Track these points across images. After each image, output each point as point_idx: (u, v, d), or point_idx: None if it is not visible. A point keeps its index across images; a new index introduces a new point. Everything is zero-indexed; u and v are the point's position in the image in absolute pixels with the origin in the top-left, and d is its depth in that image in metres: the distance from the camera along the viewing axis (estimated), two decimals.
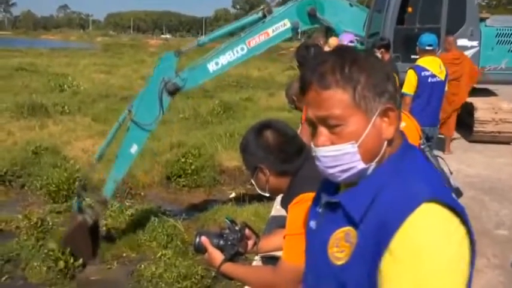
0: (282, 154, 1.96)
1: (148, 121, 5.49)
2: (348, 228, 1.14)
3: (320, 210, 1.28)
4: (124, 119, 5.57)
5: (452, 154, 7.41)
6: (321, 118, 1.15)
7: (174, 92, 5.55)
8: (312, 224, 1.32)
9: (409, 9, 9.00)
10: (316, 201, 1.34)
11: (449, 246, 1.03)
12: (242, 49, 5.64)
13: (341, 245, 1.15)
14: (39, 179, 7.53)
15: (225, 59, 5.63)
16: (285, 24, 5.73)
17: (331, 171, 1.17)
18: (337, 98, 1.12)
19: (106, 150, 5.79)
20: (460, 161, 7.04)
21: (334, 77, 1.12)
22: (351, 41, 6.56)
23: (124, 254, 5.64)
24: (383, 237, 1.05)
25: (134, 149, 5.58)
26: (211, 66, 5.61)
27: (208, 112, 13.00)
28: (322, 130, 1.16)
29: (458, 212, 1.08)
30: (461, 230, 1.07)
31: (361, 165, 1.14)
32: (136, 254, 5.63)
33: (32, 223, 5.90)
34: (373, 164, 1.16)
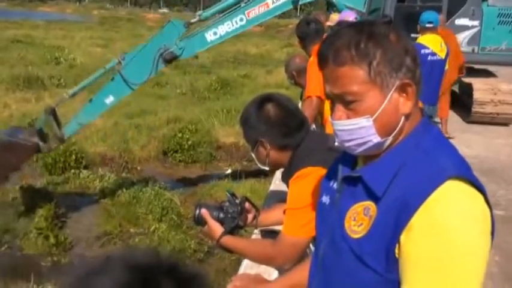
0: (283, 128, 1.93)
1: (134, 80, 5.43)
2: (368, 203, 1.14)
3: (335, 185, 1.27)
4: (111, 68, 5.49)
5: (451, 136, 7.40)
6: (337, 95, 1.14)
7: (170, 60, 5.51)
8: (325, 199, 1.31)
9: None
10: (329, 176, 1.33)
11: (474, 224, 1.03)
12: (241, 20, 5.56)
13: (359, 219, 1.15)
14: None
15: (223, 29, 5.56)
16: None
17: (347, 144, 1.17)
18: (352, 75, 1.12)
19: (82, 89, 5.75)
20: (459, 142, 7.02)
21: (349, 53, 1.11)
22: (355, 18, 6.48)
23: (120, 228, 5.64)
24: (405, 214, 1.05)
25: (110, 100, 5.48)
26: (209, 36, 5.54)
27: (206, 88, 12.91)
28: (339, 105, 1.15)
29: (482, 190, 1.08)
30: (486, 208, 1.07)
31: (376, 139, 1.14)
32: (134, 226, 5.63)
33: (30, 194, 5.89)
34: (390, 138, 1.15)
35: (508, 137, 7.82)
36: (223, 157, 8.38)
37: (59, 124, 5.55)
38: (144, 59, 5.41)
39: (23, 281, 4.40)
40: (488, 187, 4.17)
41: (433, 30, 5.90)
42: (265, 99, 1.98)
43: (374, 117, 1.12)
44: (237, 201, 1.99)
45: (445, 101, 7.55)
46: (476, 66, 9.07)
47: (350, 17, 6.41)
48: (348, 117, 1.15)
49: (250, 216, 2.09)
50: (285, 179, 1.98)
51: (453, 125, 8.14)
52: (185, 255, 4.95)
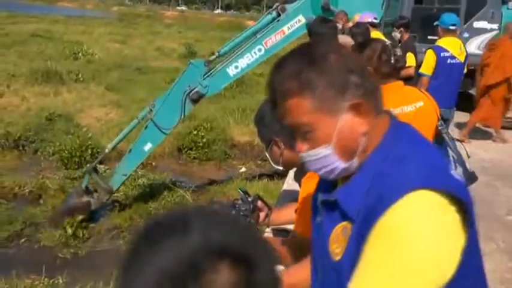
0: None
1: (167, 125, 5.53)
2: (345, 223, 1.13)
3: (319, 208, 1.27)
4: (144, 117, 5.60)
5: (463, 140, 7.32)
6: (292, 127, 1.15)
7: (197, 99, 5.58)
8: (317, 219, 1.31)
9: None
10: (315, 197, 1.33)
11: (430, 233, 0.99)
12: (260, 50, 5.62)
13: (339, 240, 1.14)
14: (52, 145, 7.58)
15: (244, 61, 5.63)
16: (300, 21, 5.68)
17: (318, 173, 1.18)
18: (299, 106, 1.11)
19: (120, 142, 5.86)
20: (476, 146, 6.98)
21: (292, 85, 1.10)
22: (375, 18, 6.47)
23: (130, 221, 5.70)
24: (370, 225, 1.03)
25: (148, 147, 5.62)
26: (231, 71, 5.61)
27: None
28: (298, 137, 1.16)
29: (455, 196, 1.03)
30: (452, 216, 1.02)
31: (341, 164, 1.14)
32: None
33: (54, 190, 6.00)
34: (355, 159, 1.14)
35: None
36: (238, 156, 8.40)
37: (102, 178, 5.81)
38: (172, 103, 5.50)
39: (35, 273, 4.46)
40: (503, 192, 4.15)
41: (454, 33, 5.86)
42: None
43: (332, 144, 1.11)
44: (250, 199, 2.00)
45: (497, 110, 7.43)
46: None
47: (369, 17, 6.41)
48: (309, 148, 1.14)
49: (262, 215, 2.10)
50: (298, 178, 1.99)
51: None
52: None
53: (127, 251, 0.72)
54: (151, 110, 5.52)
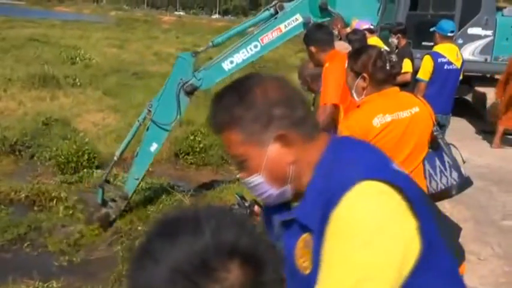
0: None
1: (167, 121, 5.55)
2: (305, 235, 1.17)
3: (275, 230, 1.31)
4: (144, 118, 5.63)
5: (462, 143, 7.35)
6: (231, 157, 1.26)
7: (191, 92, 5.59)
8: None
9: None
10: (267, 222, 1.38)
11: (378, 218, 1.04)
12: (256, 46, 5.66)
13: (304, 254, 1.18)
14: (48, 150, 7.56)
15: (239, 57, 5.65)
16: (297, 19, 5.72)
17: (260, 197, 1.27)
18: (230, 139, 1.20)
19: (126, 148, 5.85)
20: (471, 151, 7.00)
21: (222, 119, 1.20)
22: (372, 25, 6.51)
23: (131, 225, 5.70)
24: (325, 228, 1.08)
25: (154, 147, 5.66)
26: (226, 65, 5.63)
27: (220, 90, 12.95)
28: (237, 166, 1.26)
29: (395, 184, 1.09)
30: (398, 201, 1.08)
31: (274, 191, 1.22)
32: (144, 224, 5.69)
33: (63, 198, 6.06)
34: (288, 186, 1.21)
35: None
36: None
37: (116, 187, 5.96)
38: (168, 100, 5.52)
39: (30, 278, 4.45)
40: (499, 197, 4.17)
41: (451, 39, 5.91)
42: None
43: (261, 173, 1.20)
44: (246, 204, 2.02)
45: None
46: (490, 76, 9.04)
47: (365, 25, 6.45)
48: (246, 176, 1.24)
49: (258, 220, 2.12)
50: None
51: (465, 134, 8.11)
52: None
53: (139, 248, 0.75)
54: (149, 110, 5.53)
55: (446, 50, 5.78)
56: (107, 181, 5.85)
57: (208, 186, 7.12)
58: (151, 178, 7.16)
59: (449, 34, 5.85)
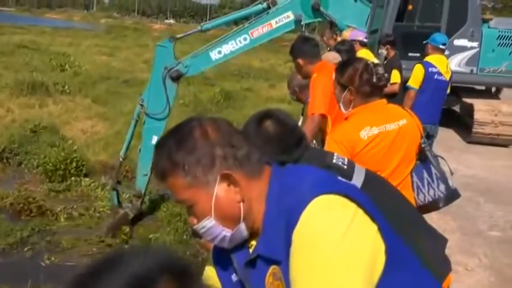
0: (281, 144, 1.96)
1: (160, 110, 5.58)
2: (272, 268, 1.17)
3: (239, 275, 1.30)
4: (139, 114, 5.71)
5: (450, 154, 7.43)
6: (179, 203, 1.24)
7: (177, 78, 5.61)
8: (234, 280, 1.33)
9: (409, 7, 8.97)
10: (230, 273, 1.35)
11: (338, 226, 1.05)
12: (245, 39, 5.69)
13: (275, 286, 1.17)
14: (36, 158, 7.51)
15: (227, 48, 5.68)
16: (289, 17, 5.77)
17: (214, 242, 1.24)
18: (175, 184, 1.18)
19: (128, 146, 5.96)
20: (458, 162, 7.06)
21: (165, 165, 1.18)
22: (366, 38, 6.57)
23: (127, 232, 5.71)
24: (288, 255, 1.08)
25: (155, 140, 5.66)
26: (214, 55, 5.67)
27: (209, 100, 12.97)
28: (187, 212, 1.23)
29: (348, 195, 1.10)
30: (354, 209, 1.09)
31: (229, 232, 1.20)
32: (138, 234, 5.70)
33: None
34: (242, 225, 1.20)
35: (508, 159, 7.84)
36: None
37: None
38: (156, 90, 5.56)
39: (21, 285, 4.42)
40: (485, 207, 4.21)
41: (442, 52, 6.01)
42: (265, 115, 2.01)
43: (212, 215, 1.18)
44: None
45: None
46: (478, 87, 9.14)
47: (360, 36, 6.51)
48: (197, 221, 1.21)
49: None
50: None
51: (453, 145, 8.18)
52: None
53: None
54: (142, 105, 5.60)
55: (437, 61, 5.87)
56: (118, 182, 5.91)
57: None
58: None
59: (441, 46, 5.96)
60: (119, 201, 5.84)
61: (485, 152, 8.17)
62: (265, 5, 5.90)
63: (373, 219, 1.11)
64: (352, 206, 1.09)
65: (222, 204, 1.17)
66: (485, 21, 9.22)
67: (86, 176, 7.16)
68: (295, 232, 1.06)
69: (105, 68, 17.46)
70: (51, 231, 5.57)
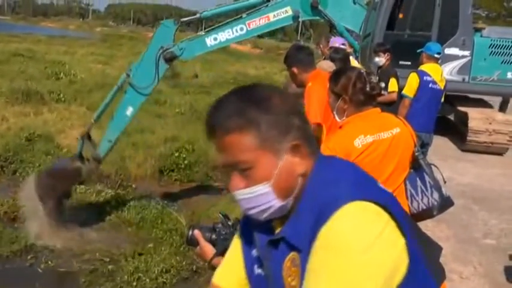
0: None
1: (145, 85, 5.68)
2: (292, 254, 1.15)
3: (257, 252, 1.29)
4: (123, 82, 5.78)
5: (445, 162, 7.46)
6: (230, 164, 1.15)
7: (170, 59, 5.72)
8: (259, 270, 1.31)
9: (400, 15, 9.01)
10: (248, 245, 1.34)
11: (367, 236, 1.03)
12: (241, 29, 5.79)
13: (292, 273, 1.16)
14: (31, 166, 7.50)
15: (223, 35, 5.78)
16: (287, 12, 5.85)
17: (251, 212, 1.19)
18: (241, 143, 1.12)
19: (104, 111, 6.02)
20: (453, 170, 7.09)
21: (236, 121, 1.12)
22: (343, 44, 6.60)
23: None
24: (312, 247, 1.07)
25: (130, 111, 5.78)
26: (209, 41, 5.77)
27: (205, 108, 12.85)
28: (235, 174, 1.17)
29: (383, 205, 1.08)
30: (385, 220, 1.08)
31: (278, 203, 1.16)
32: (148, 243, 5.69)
33: None
34: (291, 199, 1.17)
35: (502, 167, 7.88)
36: (220, 177, 8.40)
37: (94, 146, 5.94)
38: (147, 64, 5.66)
39: None
40: (480, 215, 4.22)
41: (437, 61, 6.06)
42: None
43: (271, 182, 1.13)
44: (230, 223, 2.02)
45: None
46: (472, 96, 9.18)
47: (337, 42, 6.56)
48: (246, 185, 1.15)
49: None
50: None
51: (448, 153, 8.21)
52: (172, 274, 4.99)
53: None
54: (128, 75, 5.67)
55: (431, 70, 5.91)
56: (89, 137, 5.91)
57: (194, 203, 7.10)
58: (135, 195, 7.14)
59: (435, 55, 6.00)
60: (81, 154, 5.84)
61: (479, 160, 8.21)
62: None
63: (403, 232, 1.10)
64: (384, 216, 1.08)
65: (284, 173, 1.14)
66: (477, 30, 9.29)
67: (81, 183, 7.15)
68: (323, 231, 1.05)
69: (101, 77, 17.45)
70: (51, 240, 5.54)
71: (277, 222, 1.25)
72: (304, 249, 1.11)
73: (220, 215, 2.07)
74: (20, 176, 7.44)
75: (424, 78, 5.85)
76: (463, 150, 8.62)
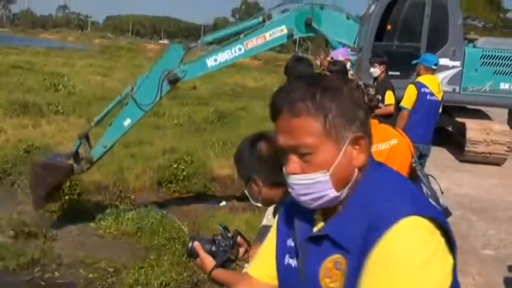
0: (275, 165, 1.98)
1: (145, 102, 5.92)
2: (337, 256, 1.14)
3: (294, 244, 1.27)
4: (127, 94, 6.03)
5: (443, 173, 7.47)
6: (291, 146, 1.14)
7: (174, 81, 5.98)
8: (290, 261, 1.29)
9: (389, 27, 9.03)
10: (287, 235, 1.32)
11: (423, 253, 1.04)
12: (240, 49, 6.03)
13: (332, 275, 1.14)
14: (29, 178, 7.50)
15: (223, 56, 6.05)
16: (282, 30, 6.05)
17: (303, 198, 1.17)
18: (307, 126, 1.12)
19: (104, 117, 6.26)
20: (451, 180, 7.10)
21: (305, 104, 1.11)
22: (348, 59, 6.63)
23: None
24: (365, 255, 1.07)
25: (127, 122, 6.02)
26: (210, 62, 6.02)
27: (203, 119, 13.03)
28: (293, 157, 1.15)
29: (439, 221, 1.09)
30: (439, 238, 1.08)
31: (333, 193, 1.15)
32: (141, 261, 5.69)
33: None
34: (345, 191, 1.16)
35: (500, 177, 7.88)
36: (218, 189, 8.41)
37: (91, 148, 6.19)
38: (151, 83, 5.89)
39: None
40: (478, 226, 4.21)
41: (433, 72, 6.08)
42: (258, 137, 2.04)
43: (330, 171, 1.13)
44: (229, 234, 2.03)
45: None
46: (470, 106, 9.20)
47: (339, 54, 6.58)
48: (303, 170, 1.14)
49: (241, 250, 2.13)
50: (277, 214, 2.02)
51: (446, 164, 8.22)
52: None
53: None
54: (132, 88, 5.90)
55: (429, 82, 5.92)
56: (87, 138, 6.14)
57: (192, 215, 7.10)
58: (135, 206, 7.14)
59: (433, 66, 6.02)
60: (77, 152, 6.10)
61: (477, 170, 8.21)
62: (261, 19, 6.15)
63: (453, 250, 1.11)
64: (438, 235, 1.08)
65: (343, 163, 1.13)
66: (470, 40, 9.32)
67: (79, 194, 7.16)
68: (380, 244, 1.05)
69: (100, 88, 17.51)
70: (56, 253, 5.62)
71: (319, 215, 1.23)
72: (352, 252, 1.10)
73: (219, 226, 2.08)
74: (18, 188, 7.43)
75: (422, 90, 5.85)
76: (461, 161, 8.62)
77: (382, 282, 1.04)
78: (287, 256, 1.30)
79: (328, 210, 1.19)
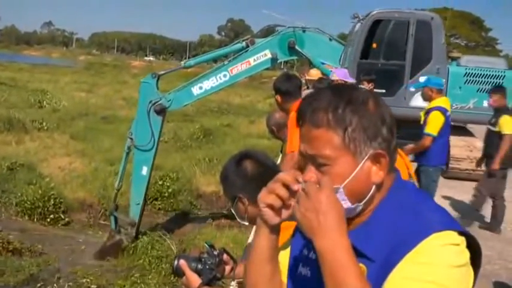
0: (260, 183, 1.97)
1: (146, 142, 5.88)
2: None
3: (314, 255, 1.23)
4: (129, 146, 6.00)
5: None
6: (310, 155, 1.15)
7: (160, 111, 5.88)
8: (304, 270, 1.28)
9: (374, 45, 9.14)
10: (303, 245, 1.30)
11: (456, 259, 1.05)
12: (225, 76, 6.01)
13: None
14: (13, 196, 7.40)
15: (208, 84, 6.00)
16: (266, 55, 6.06)
17: None
18: (326, 138, 1.12)
19: (122, 177, 6.23)
20: (436, 197, 7.15)
21: (326, 116, 1.12)
22: (344, 80, 6.67)
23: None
24: (392, 263, 1.06)
25: (145, 170, 6.01)
26: (195, 90, 5.98)
27: (188, 136, 13.00)
28: (311, 166, 1.15)
29: (469, 238, 1.11)
30: (467, 253, 1.09)
31: (346, 204, 1.13)
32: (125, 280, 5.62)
33: None
34: (361, 205, 1.16)
35: None
36: (204, 206, 8.36)
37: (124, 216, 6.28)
38: (142, 123, 5.88)
39: None
40: None
41: (442, 93, 6.07)
42: (244, 155, 2.05)
43: (344, 184, 1.12)
44: (215, 252, 2.02)
45: None
46: (453, 123, 9.30)
47: (337, 74, 6.60)
48: (319, 180, 1.12)
49: (227, 268, 2.12)
50: None
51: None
52: None
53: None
54: (131, 138, 5.90)
55: (446, 104, 5.87)
56: (116, 208, 6.16)
57: (178, 232, 7.04)
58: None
59: (442, 88, 6.06)
60: (116, 227, 6.08)
61: (461, 186, 8.29)
62: (244, 44, 6.14)
63: (475, 266, 1.12)
64: (465, 250, 1.09)
65: (360, 178, 1.13)
66: (453, 59, 9.47)
67: (64, 213, 7.08)
68: (410, 256, 1.04)
69: (84, 105, 17.43)
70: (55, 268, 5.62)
71: None
72: (376, 261, 1.10)
73: (206, 244, 2.07)
74: (2, 206, 7.32)
75: (447, 114, 5.77)
76: (445, 177, 8.70)
77: (411, 270, 1.04)
78: (300, 265, 1.30)
79: (351, 220, 1.18)
